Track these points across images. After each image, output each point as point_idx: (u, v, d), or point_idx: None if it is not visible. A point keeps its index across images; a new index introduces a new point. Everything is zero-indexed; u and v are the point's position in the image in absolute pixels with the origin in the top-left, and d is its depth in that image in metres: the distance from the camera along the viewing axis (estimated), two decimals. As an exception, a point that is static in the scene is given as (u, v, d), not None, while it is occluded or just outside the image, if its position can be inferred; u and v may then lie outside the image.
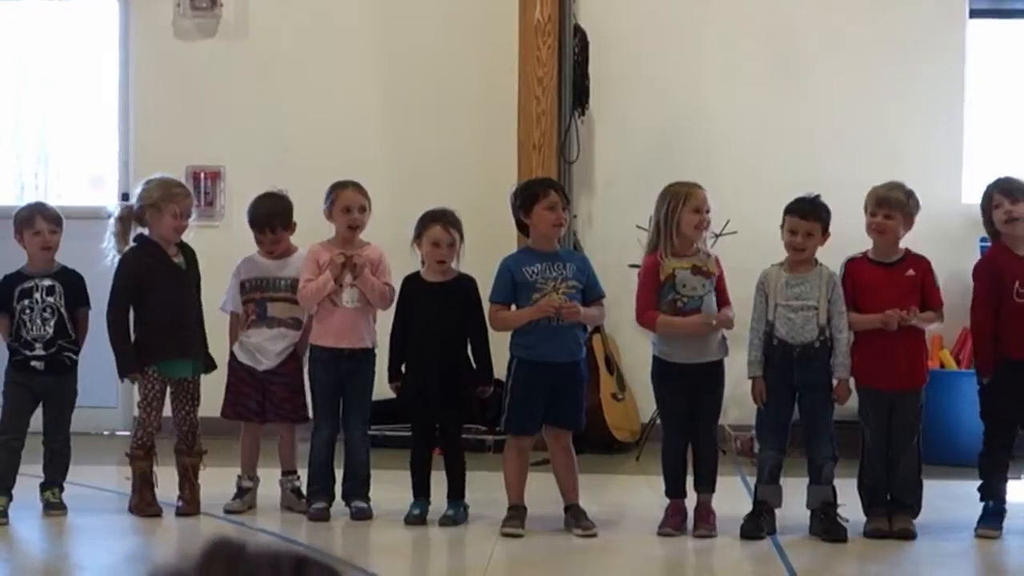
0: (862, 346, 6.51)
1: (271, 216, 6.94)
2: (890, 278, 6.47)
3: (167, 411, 6.79)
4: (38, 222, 6.79)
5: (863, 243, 6.60)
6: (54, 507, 6.71)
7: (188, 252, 6.83)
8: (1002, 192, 6.52)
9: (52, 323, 6.76)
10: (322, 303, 6.73)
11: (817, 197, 6.48)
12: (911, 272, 6.49)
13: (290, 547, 1.38)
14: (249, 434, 6.98)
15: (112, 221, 6.76)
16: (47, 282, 6.80)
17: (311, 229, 7.00)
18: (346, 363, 6.72)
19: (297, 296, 6.80)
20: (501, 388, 6.66)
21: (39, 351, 6.75)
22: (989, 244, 7.19)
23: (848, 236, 6.62)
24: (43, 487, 6.77)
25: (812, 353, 6.38)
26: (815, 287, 6.41)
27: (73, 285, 6.85)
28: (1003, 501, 6.50)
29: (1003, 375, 6.49)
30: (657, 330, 6.48)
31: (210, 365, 6.87)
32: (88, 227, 7.17)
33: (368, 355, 6.77)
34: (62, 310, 6.78)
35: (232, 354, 6.94)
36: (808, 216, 6.41)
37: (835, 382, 6.41)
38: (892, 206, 6.44)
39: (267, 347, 6.89)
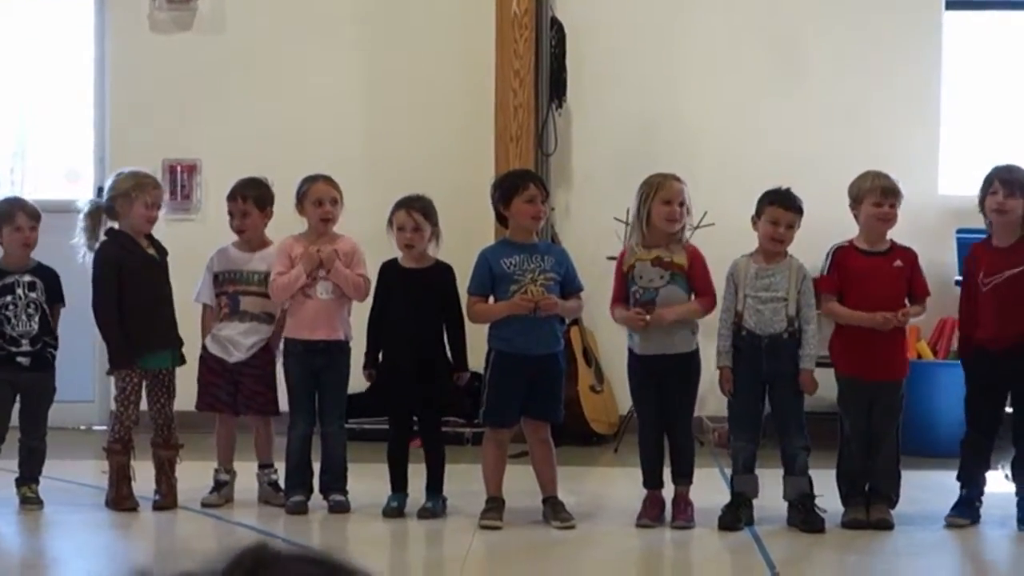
0: (843, 336, 6.53)
1: (245, 187, 6.93)
2: (878, 267, 6.48)
3: (143, 405, 6.77)
4: (19, 218, 6.76)
5: (839, 234, 6.63)
6: (30, 502, 6.68)
7: (157, 245, 6.81)
8: (1002, 181, 6.45)
9: (37, 319, 6.75)
10: (295, 295, 6.73)
11: (789, 190, 6.49)
12: (899, 263, 6.51)
13: (326, 560, 1.34)
14: (223, 427, 6.96)
15: (81, 217, 6.74)
16: (28, 278, 6.78)
17: (287, 223, 6.98)
18: (321, 356, 6.71)
19: (268, 289, 6.80)
20: (479, 380, 6.66)
21: (25, 347, 6.74)
22: (969, 235, 7.25)
23: (825, 227, 6.64)
24: (19, 482, 6.73)
25: (780, 344, 6.38)
26: (785, 278, 6.42)
27: (51, 282, 6.84)
28: (979, 489, 6.51)
29: (975, 362, 6.53)
30: (615, 321, 6.55)
31: (182, 358, 6.86)
32: (63, 221, 7.14)
33: (343, 347, 6.76)
34: (45, 306, 6.77)
35: (203, 346, 6.91)
36: (791, 207, 6.42)
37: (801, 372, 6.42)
38: (896, 195, 6.46)
39: (240, 340, 6.87)
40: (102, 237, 6.72)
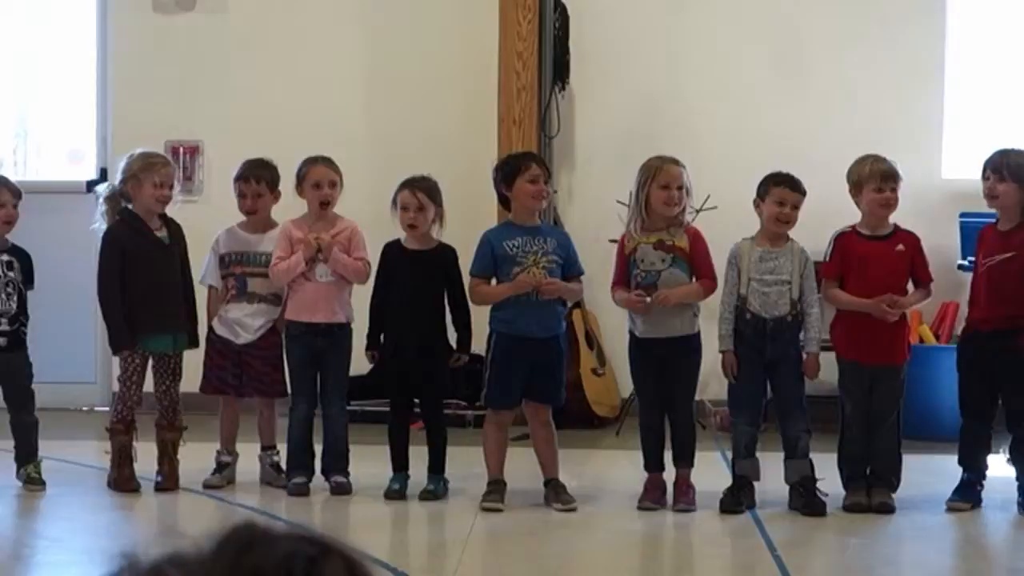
0: (844, 320, 6.54)
1: (258, 168, 6.93)
2: (881, 252, 6.48)
3: (148, 386, 6.76)
4: (2, 194, 6.73)
5: (838, 214, 6.63)
6: (34, 482, 6.68)
7: (173, 226, 6.80)
8: (992, 168, 6.50)
9: (15, 299, 6.73)
10: (295, 277, 6.73)
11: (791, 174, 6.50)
12: (901, 247, 6.51)
13: (316, 537, 1.33)
14: (228, 409, 6.96)
15: (100, 202, 6.74)
16: (5, 257, 6.75)
17: (291, 205, 6.98)
18: (322, 339, 6.71)
19: (269, 273, 6.80)
20: (480, 363, 6.66)
21: (4, 327, 6.71)
22: (973, 219, 7.24)
23: (826, 208, 6.64)
24: (22, 461, 6.72)
25: (784, 327, 6.39)
26: (788, 261, 6.42)
27: (25, 263, 6.82)
28: (980, 474, 6.50)
29: (967, 345, 6.58)
30: (616, 304, 6.53)
31: (194, 341, 6.85)
32: (66, 202, 7.15)
33: (344, 330, 6.76)
34: (21, 286, 6.75)
35: (211, 328, 6.91)
36: (796, 188, 6.44)
37: (804, 356, 6.41)
38: (896, 179, 6.47)
39: (247, 322, 6.87)
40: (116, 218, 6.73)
